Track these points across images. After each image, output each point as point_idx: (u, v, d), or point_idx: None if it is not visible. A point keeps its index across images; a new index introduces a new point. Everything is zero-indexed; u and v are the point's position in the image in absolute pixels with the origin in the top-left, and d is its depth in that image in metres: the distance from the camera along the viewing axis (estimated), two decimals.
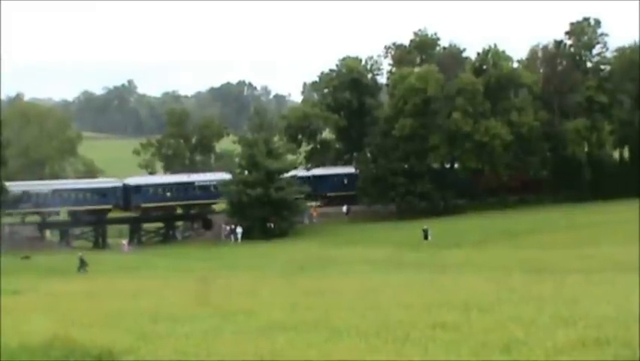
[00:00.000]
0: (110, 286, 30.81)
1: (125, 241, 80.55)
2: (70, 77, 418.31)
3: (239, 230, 78.64)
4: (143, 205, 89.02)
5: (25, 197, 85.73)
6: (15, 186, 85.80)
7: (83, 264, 52.87)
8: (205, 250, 72.97)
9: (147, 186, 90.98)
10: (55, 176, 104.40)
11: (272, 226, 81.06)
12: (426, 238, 64.46)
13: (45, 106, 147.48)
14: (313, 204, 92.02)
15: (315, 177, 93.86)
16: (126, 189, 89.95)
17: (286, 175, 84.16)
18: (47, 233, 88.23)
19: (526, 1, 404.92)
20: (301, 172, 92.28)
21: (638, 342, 10.75)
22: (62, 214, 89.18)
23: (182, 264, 57.04)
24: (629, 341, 10.91)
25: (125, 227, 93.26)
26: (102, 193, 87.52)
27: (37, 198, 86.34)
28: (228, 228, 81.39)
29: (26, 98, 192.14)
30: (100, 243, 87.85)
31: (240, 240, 77.30)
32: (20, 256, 64.58)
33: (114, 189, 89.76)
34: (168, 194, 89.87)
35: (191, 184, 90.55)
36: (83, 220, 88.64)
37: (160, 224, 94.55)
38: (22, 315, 19.03)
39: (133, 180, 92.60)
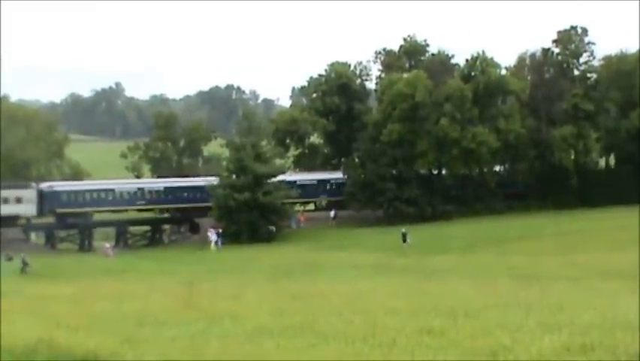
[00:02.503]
0: (95, 290, 30.68)
1: (107, 244, 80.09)
2: (57, 79, 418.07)
3: (213, 237, 77.46)
4: None
5: (139, 193, 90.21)
6: (129, 184, 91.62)
7: (25, 265, 53.70)
8: (192, 253, 72.77)
9: None
10: (41, 178, 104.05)
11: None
12: (404, 241, 64.65)
13: (32, 108, 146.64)
14: (301, 208, 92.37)
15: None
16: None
17: (274, 180, 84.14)
18: (32, 235, 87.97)
19: (515, 10, 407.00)
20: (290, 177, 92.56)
21: (622, 349, 10.80)
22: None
23: (169, 267, 56.85)
24: (613, 348, 10.95)
25: (112, 230, 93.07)
26: (207, 191, 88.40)
27: (151, 195, 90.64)
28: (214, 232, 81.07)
29: (13, 99, 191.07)
30: (85, 246, 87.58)
31: (213, 246, 75.96)
32: (5, 258, 64.30)
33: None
34: None
35: (292, 183, 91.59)
36: (188, 217, 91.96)
37: (147, 227, 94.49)
38: (7, 318, 18.91)
39: None
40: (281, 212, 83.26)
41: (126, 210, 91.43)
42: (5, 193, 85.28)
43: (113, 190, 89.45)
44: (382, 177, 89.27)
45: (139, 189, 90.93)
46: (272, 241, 78.51)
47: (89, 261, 66.78)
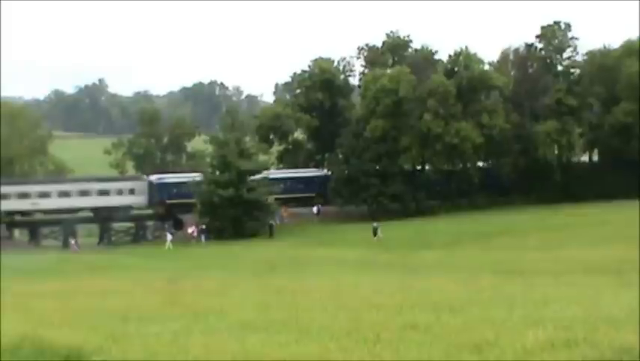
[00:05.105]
0: (79, 286, 30.53)
1: (73, 240, 79.94)
2: (41, 75, 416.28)
3: (169, 237, 77.75)
4: None
5: None
6: None
7: None
8: (175, 249, 72.66)
9: None
10: (25, 175, 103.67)
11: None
12: (375, 235, 66.23)
13: (16, 104, 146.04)
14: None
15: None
16: (326, 178, 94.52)
17: (258, 176, 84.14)
18: (16, 232, 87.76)
19: (498, 5, 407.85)
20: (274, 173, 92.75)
21: (606, 344, 10.84)
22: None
23: (153, 263, 56.67)
24: (597, 343, 10.98)
25: (95, 226, 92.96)
26: (308, 182, 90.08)
27: None
28: (198, 228, 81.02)
29: None
30: (69, 243, 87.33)
31: (169, 244, 76.32)
32: None
33: (317, 178, 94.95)
34: None
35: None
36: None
37: (130, 223, 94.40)
38: None
39: None
40: (265, 208, 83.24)
41: None
42: (119, 185, 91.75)
43: None
44: (366, 172, 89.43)
45: None
46: (255, 236, 78.41)
47: (74, 257, 66.53)
